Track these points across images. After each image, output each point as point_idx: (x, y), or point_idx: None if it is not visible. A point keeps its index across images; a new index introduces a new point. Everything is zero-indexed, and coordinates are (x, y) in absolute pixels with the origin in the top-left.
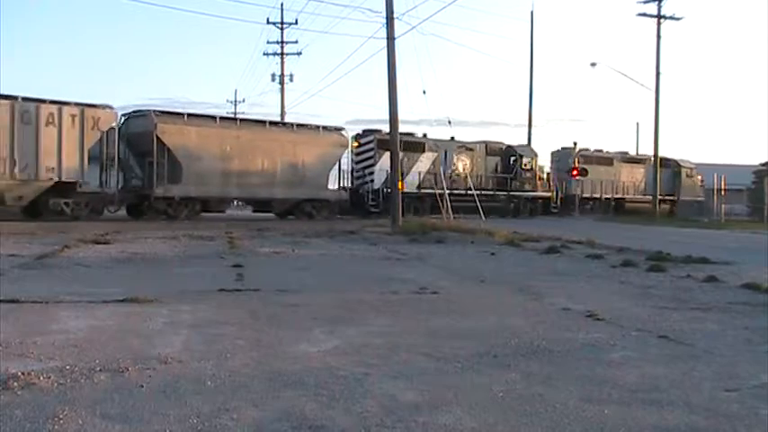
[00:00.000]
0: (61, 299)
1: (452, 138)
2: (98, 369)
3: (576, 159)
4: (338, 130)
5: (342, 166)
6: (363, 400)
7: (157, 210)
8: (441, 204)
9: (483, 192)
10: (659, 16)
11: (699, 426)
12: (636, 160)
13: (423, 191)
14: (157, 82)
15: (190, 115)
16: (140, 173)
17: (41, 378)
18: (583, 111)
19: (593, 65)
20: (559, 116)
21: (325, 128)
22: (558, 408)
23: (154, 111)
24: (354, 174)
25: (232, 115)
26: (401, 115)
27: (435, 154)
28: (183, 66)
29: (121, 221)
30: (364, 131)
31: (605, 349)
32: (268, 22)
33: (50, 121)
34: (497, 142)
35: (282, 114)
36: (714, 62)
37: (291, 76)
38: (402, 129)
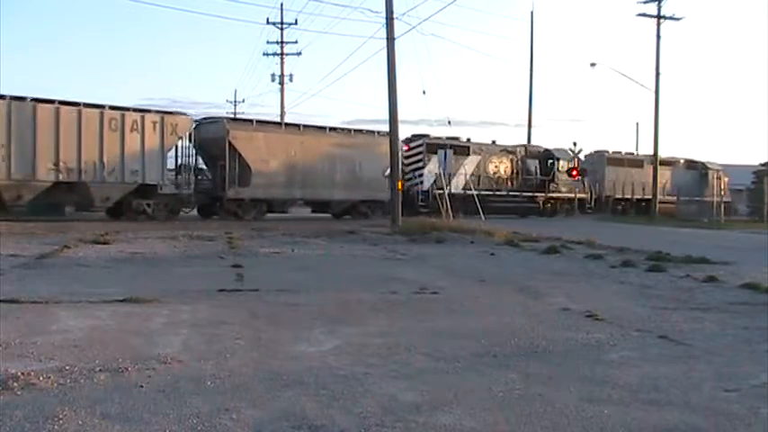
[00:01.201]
0: (61, 299)
1: (494, 141)
2: (98, 369)
3: (576, 160)
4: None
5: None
6: (363, 399)
7: (228, 211)
8: (441, 205)
9: (522, 193)
10: (659, 16)
11: (699, 426)
12: (664, 162)
13: (468, 192)
14: (157, 82)
15: (258, 122)
16: (211, 176)
17: (41, 378)
18: (583, 111)
19: (592, 65)
20: (559, 116)
21: (379, 133)
22: (558, 408)
23: (226, 118)
24: (404, 176)
25: (296, 122)
26: (401, 115)
27: (479, 157)
28: (184, 66)
29: (122, 221)
30: (413, 136)
31: (605, 349)
32: (268, 23)
33: (134, 127)
34: (536, 146)
35: (282, 114)
36: (714, 62)
37: (291, 76)
38: (402, 128)
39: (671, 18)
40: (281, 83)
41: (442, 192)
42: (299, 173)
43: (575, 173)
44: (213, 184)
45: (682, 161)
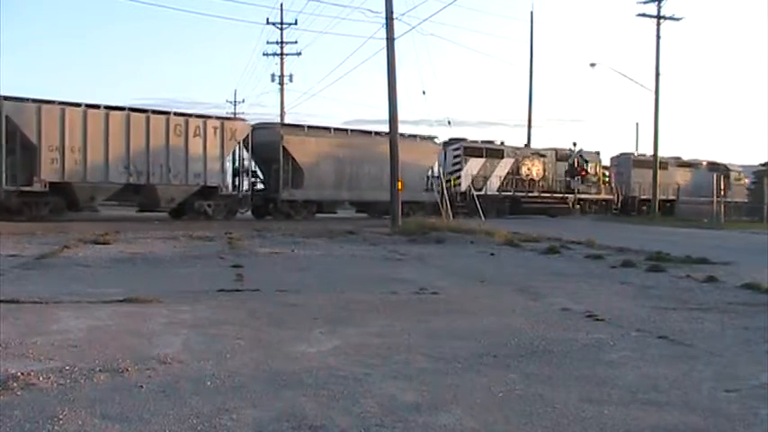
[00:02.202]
0: (61, 299)
1: (526, 145)
2: (98, 369)
3: (577, 160)
4: (431, 138)
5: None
6: (363, 400)
7: (282, 211)
8: (441, 205)
9: (553, 194)
10: (659, 17)
11: (698, 426)
12: (687, 164)
13: (503, 193)
14: (157, 82)
15: (309, 127)
16: (265, 178)
17: (41, 378)
18: (582, 111)
19: (592, 65)
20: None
21: (421, 137)
22: (558, 408)
23: (279, 123)
24: (444, 178)
25: (345, 127)
26: (401, 115)
27: (513, 160)
28: (183, 66)
29: (121, 221)
30: (451, 140)
31: (605, 349)
32: (268, 23)
33: (197, 133)
34: (565, 149)
35: (282, 115)
36: (714, 62)
37: (291, 76)
38: (401, 128)
39: (671, 18)
40: (281, 83)
41: (479, 193)
42: (346, 175)
43: (583, 173)
44: (267, 186)
45: (704, 163)
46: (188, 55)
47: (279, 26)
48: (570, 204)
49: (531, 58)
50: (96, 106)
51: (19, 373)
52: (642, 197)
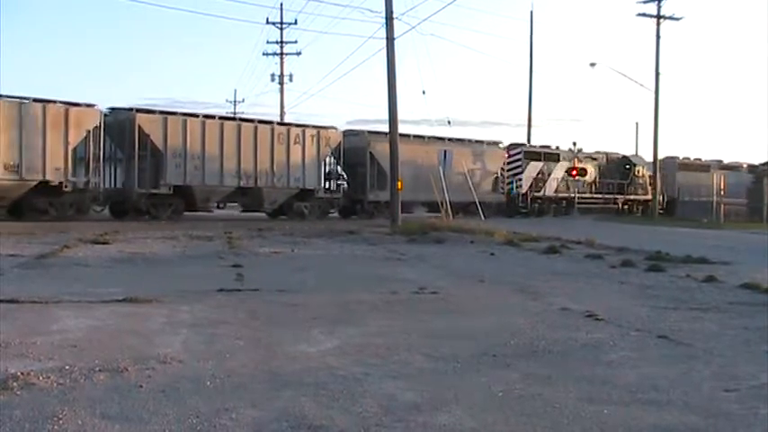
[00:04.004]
0: (61, 299)
1: (580, 150)
2: (97, 369)
3: (575, 160)
4: (496, 144)
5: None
6: (363, 399)
7: (367, 212)
8: (441, 205)
9: (604, 195)
10: (659, 16)
11: (698, 426)
12: (728, 167)
13: (559, 195)
14: (157, 81)
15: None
16: (350, 180)
17: (41, 378)
18: (582, 110)
19: (592, 65)
20: (559, 116)
21: (487, 143)
22: (558, 408)
23: (366, 131)
24: (506, 180)
25: (421, 134)
26: (401, 115)
27: (568, 163)
28: (183, 65)
29: (122, 221)
30: (511, 145)
31: (605, 349)
32: (267, 22)
33: (297, 140)
34: (615, 153)
35: (282, 114)
36: (714, 62)
37: (291, 76)
38: (402, 128)
39: (671, 18)
40: (281, 83)
41: (538, 194)
42: (422, 178)
43: (574, 173)
44: (354, 188)
45: (744, 165)
46: (188, 54)
47: (279, 26)
48: (620, 205)
49: (531, 58)
50: (212, 117)
51: (19, 373)
52: (684, 199)
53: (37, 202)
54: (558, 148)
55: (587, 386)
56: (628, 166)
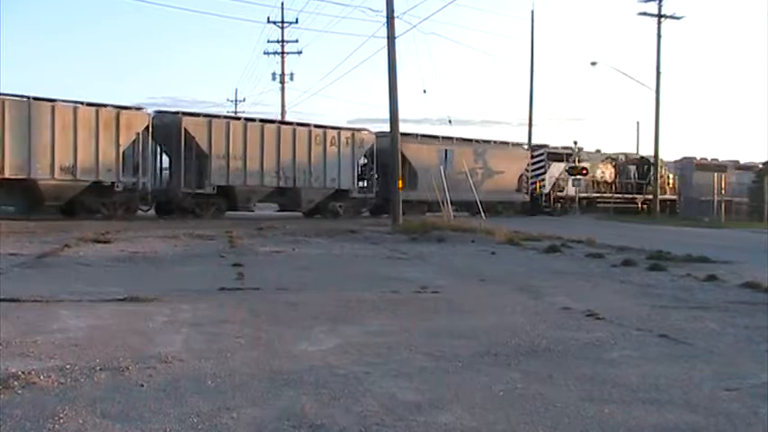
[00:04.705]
0: (62, 298)
1: (598, 150)
2: (98, 368)
3: (576, 159)
4: (520, 145)
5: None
6: (363, 399)
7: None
8: (441, 205)
9: (624, 195)
10: (660, 15)
11: (699, 425)
12: (744, 167)
13: (581, 194)
14: (158, 80)
15: (421, 135)
16: (382, 181)
17: (42, 377)
18: (583, 110)
19: (593, 64)
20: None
21: (512, 144)
22: (559, 407)
23: (401, 133)
24: (530, 180)
25: (448, 135)
26: (402, 114)
27: (588, 164)
28: (184, 64)
29: (120, 221)
30: (535, 146)
31: (606, 348)
32: (269, 21)
33: (333, 142)
34: (634, 154)
35: (283, 114)
36: (715, 61)
37: (292, 75)
38: (402, 127)
39: (671, 17)
40: (282, 82)
41: (560, 194)
42: (451, 178)
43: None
44: (385, 188)
45: (761, 165)
46: (189, 53)
47: (280, 25)
48: (639, 204)
49: (532, 57)
50: (252, 120)
51: (20, 372)
52: (702, 198)
53: (90, 202)
54: (580, 149)
55: (588, 385)
56: (646, 167)
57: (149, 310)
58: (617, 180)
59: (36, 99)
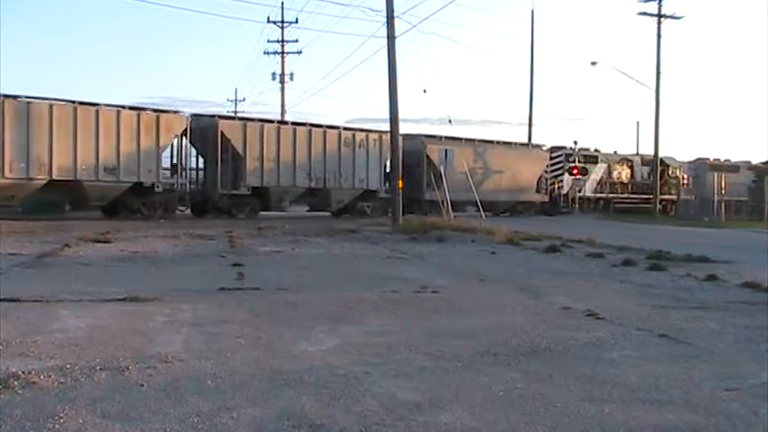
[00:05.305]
0: (62, 298)
1: (615, 151)
2: (98, 368)
3: (577, 159)
4: (540, 147)
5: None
6: (363, 398)
7: (423, 210)
8: (441, 205)
9: (640, 195)
10: (659, 15)
11: (699, 425)
12: (756, 168)
13: (598, 195)
14: (158, 80)
15: (445, 137)
16: (407, 181)
17: (42, 377)
18: (583, 109)
19: (593, 64)
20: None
21: (532, 145)
22: (559, 407)
23: (422, 135)
24: (548, 181)
25: (471, 137)
26: (402, 114)
27: (606, 165)
28: (184, 64)
29: (121, 221)
30: (553, 148)
31: (606, 348)
32: (268, 21)
33: (361, 144)
34: (649, 155)
35: (282, 113)
36: (714, 61)
37: (292, 74)
38: (402, 127)
39: (671, 17)
40: (282, 81)
41: (581, 195)
42: (476, 179)
43: (575, 171)
44: (410, 188)
45: None
46: (189, 53)
47: (279, 25)
48: (653, 205)
49: (532, 57)
50: (285, 123)
51: (20, 372)
52: (715, 198)
53: (131, 202)
54: (596, 150)
55: (588, 385)
56: (661, 168)
57: (149, 310)
58: (633, 181)
59: (81, 104)
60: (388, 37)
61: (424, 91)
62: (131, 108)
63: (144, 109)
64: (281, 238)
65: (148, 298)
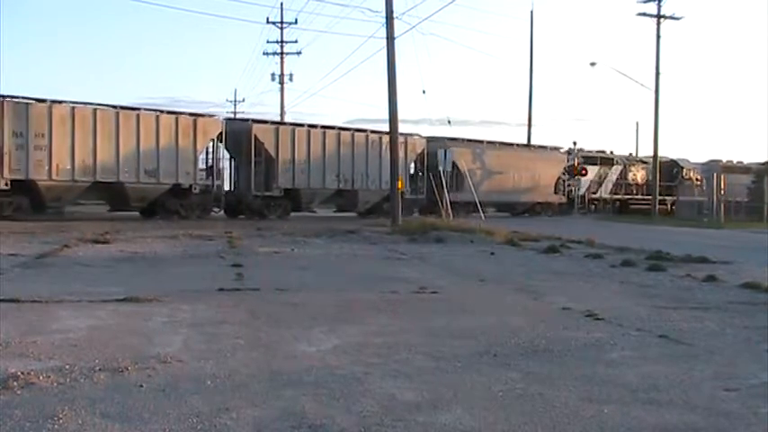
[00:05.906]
0: (61, 298)
1: (630, 154)
2: (98, 368)
3: (577, 159)
4: (558, 149)
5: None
6: (363, 399)
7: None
8: (441, 205)
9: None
10: (659, 16)
11: (698, 425)
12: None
13: (614, 196)
14: (157, 81)
15: (467, 140)
16: (430, 183)
17: (41, 377)
18: (583, 110)
19: (592, 64)
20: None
21: (550, 148)
22: (558, 407)
23: (447, 137)
24: (565, 183)
25: (492, 140)
26: (401, 114)
27: (621, 167)
28: (184, 65)
29: (121, 221)
30: (570, 150)
31: (605, 349)
32: (268, 22)
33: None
34: (664, 157)
35: (282, 114)
36: (714, 61)
37: (291, 75)
38: (402, 128)
39: (671, 17)
40: (281, 82)
41: (594, 196)
42: (495, 181)
43: (575, 171)
44: (433, 189)
45: None
46: (188, 54)
47: (279, 25)
48: (668, 206)
49: (532, 58)
50: (315, 126)
51: (19, 372)
52: (728, 199)
53: (170, 204)
54: (612, 152)
55: (587, 385)
56: (676, 170)
57: (149, 311)
58: (648, 182)
59: (123, 108)
60: (387, 37)
61: (424, 91)
62: (170, 112)
63: (181, 113)
64: (280, 239)
65: (148, 298)
